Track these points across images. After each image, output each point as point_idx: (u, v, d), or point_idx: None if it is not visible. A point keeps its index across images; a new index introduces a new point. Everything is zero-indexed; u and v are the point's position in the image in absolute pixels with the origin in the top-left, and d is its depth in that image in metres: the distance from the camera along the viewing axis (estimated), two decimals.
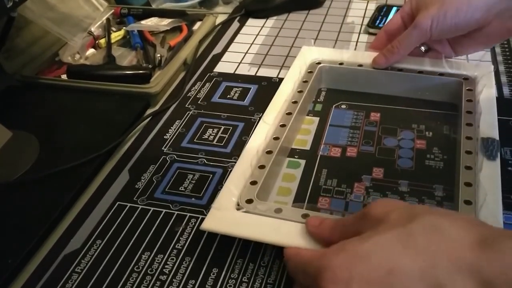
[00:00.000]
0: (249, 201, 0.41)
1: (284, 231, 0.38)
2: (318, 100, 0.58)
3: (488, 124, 0.48)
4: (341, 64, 0.59)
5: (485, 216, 0.38)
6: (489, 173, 0.42)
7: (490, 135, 0.46)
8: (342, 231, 0.35)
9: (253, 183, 0.43)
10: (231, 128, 0.54)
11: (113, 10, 0.80)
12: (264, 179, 0.44)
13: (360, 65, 0.58)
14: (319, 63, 0.59)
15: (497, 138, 0.46)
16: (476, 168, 0.43)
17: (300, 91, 0.55)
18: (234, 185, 0.43)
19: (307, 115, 0.56)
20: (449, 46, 0.57)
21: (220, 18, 0.80)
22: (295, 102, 0.53)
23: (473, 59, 0.62)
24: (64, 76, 0.65)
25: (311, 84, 0.56)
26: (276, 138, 0.48)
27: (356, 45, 0.70)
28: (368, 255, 0.29)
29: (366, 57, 0.58)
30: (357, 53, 0.60)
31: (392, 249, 0.29)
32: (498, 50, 0.66)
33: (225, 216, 0.40)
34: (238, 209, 0.40)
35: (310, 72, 0.58)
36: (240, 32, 0.76)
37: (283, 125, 0.50)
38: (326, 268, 0.30)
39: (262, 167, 0.45)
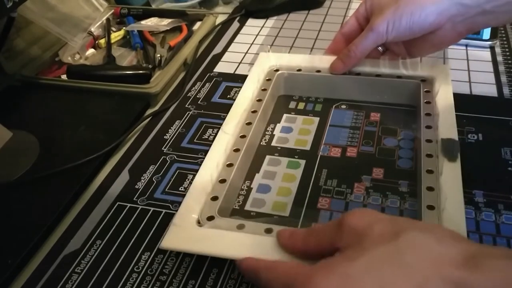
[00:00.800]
0: (210, 218, 0.40)
1: (247, 245, 0.37)
2: (318, 100, 0.58)
3: (447, 125, 0.48)
4: (299, 70, 0.58)
5: (448, 221, 0.38)
6: (450, 176, 0.42)
7: (449, 136, 0.46)
8: (316, 241, 0.34)
9: (214, 198, 0.42)
10: None
11: (113, 10, 0.80)
12: (225, 193, 0.43)
13: (318, 71, 0.57)
14: (277, 70, 0.59)
15: (457, 138, 0.46)
16: (437, 171, 0.43)
17: (259, 100, 0.54)
18: (194, 201, 0.42)
19: (307, 115, 0.56)
20: (404, 48, 0.57)
21: (220, 18, 0.80)
22: (254, 112, 0.52)
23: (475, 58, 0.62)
24: (64, 76, 0.65)
25: (270, 92, 0.56)
26: (237, 150, 0.47)
27: None
28: (359, 277, 0.28)
29: (324, 61, 0.58)
30: (314, 57, 0.59)
31: (383, 269, 0.28)
32: (498, 50, 0.66)
33: (186, 234, 0.39)
34: (199, 226, 0.39)
35: (269, 79, 0.57)
36: (240, 32, 0.76)
37: (243, 136, 0.49)
38: None
39: (223, 181, 0.44)
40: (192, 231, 0.39)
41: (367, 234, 0.31)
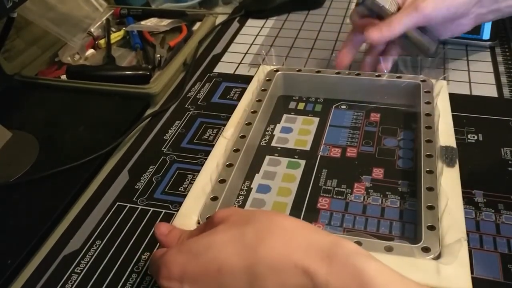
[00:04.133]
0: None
1: None
2: (318, 100, 0.58)
3: (445, 131, 0.48)
4: (299, 70, 0.58)
5: (448, 221, 0.38)
6: (450, 178, 0.42)
7: (447, 143, 0.46)
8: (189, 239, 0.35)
9: (214, 198, 0.42)
10: None
11: (112, 11, 0.80)
12: (225, 193, 0.43)
13: (318, 71, 0.58)
14: (277, 70, 0.59)
15: (455, 145, 0.46)
16: (437, 172, 0.43)
17: (259, 100, 0.54)
18: (194, 201, 0.42)
19: (307, 115, 0.56)
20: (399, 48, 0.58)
21: (220, 19, 0.80)
22: (254, 112, 0.52)
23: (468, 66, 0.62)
24: (63, 77, 0.65)
25: (270, 92, 0.56)
26: (236, 150, 0.47)
27: None
28: (200, 254, 0.30)
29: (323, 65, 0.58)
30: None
31: (223, 249, 0.30)
32: (498, 50, 0.66)
33: None
34: None
35: (268, 80, 0.57)
36: (240, 32, 0.76)
37: (243, 136, 0.49)
38: (163, 265, 0.32)
39: (222, 181, 0.44)
40: None
41: (223, 222, 0.32)
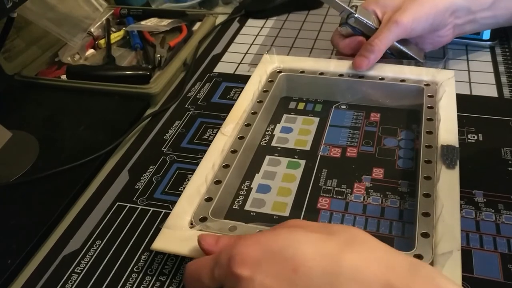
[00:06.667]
0: (203, 219, 0.40)
1: None
2: (318, 100, 0.58)
3: (449, 131, 0.47)
4: (302, 72, 0.58)
5: (442, 229, 0.38)
6: (447, 183, 0.42)
7: (450, 142, 0.46)
8: None
9: (208, 199, 0.42)
10: None
11: (112, 11, 0.80)
12: (220, 195, 0.43)
13: (322, 73, 0.57)
14: (279, 71, 0.58)
15: (457, 145, 0.45)
16: (435, 178, 0.42)
17: (260, 101, 0.54)
18: (188, 202, 0.42)
19: (307, 115, 0.56)
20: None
21: (220, 19, 0.80)
22: (254, 113, 0.52)
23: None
24: (63, 77, 0.65)
25: (272, 93, 0.55)
26: (234, 151, 0.47)
27: None
28: (278, 249, 0.31)
29: (327, 65, 0.58)
30: (319, 60, 0.59)
31: (303, 250, 0.30)
32: (498, 50, 0.66)
33: (177, 236, 0.39)
34: (191, 227, 0.39)
35: (271, 81, 0.57)
36: (240, 32, 0.76)
37: (241, 137, 0.49)
38: (239, 253, 0.31)
39: (218, 182, 0.44)
40: (183, 233, 0.39)
41: (301, 227, 0.33)
